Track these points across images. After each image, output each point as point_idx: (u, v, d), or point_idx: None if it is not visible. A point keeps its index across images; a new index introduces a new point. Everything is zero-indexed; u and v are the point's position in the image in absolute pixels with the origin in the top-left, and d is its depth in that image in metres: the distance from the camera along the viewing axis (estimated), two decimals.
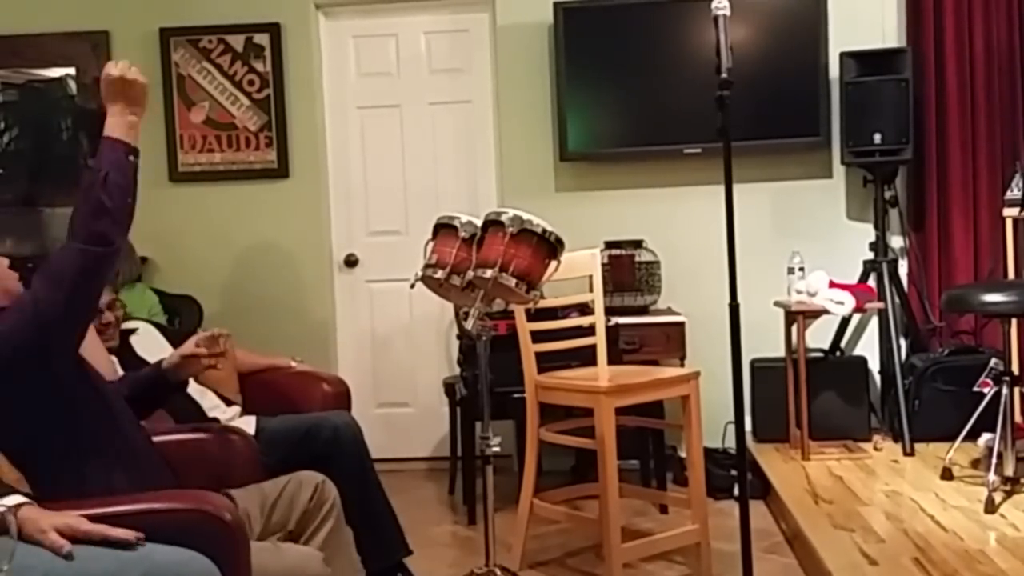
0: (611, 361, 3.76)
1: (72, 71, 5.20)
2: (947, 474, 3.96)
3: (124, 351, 3.25)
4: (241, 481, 2.60)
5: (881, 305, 4.60)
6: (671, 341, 4.56)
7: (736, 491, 3.92)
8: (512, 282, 2.82)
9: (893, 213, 4.88)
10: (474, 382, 4.04)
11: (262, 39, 5.14)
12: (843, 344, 4.91)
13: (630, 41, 4.90)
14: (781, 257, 4.63)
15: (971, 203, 4.84)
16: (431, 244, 3.04)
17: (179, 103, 5.16)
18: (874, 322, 4.94)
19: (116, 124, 2.22)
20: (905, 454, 4.40)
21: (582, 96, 4.95)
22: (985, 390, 4.01)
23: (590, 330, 3.71)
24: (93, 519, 1.94)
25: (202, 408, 3.24)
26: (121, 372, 3.13)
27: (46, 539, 1.88)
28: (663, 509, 4.24)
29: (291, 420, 3.32)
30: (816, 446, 4.47)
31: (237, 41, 5.15)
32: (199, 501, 2.08)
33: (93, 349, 2.98)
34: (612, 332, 4.03)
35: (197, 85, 5.17)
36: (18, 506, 1.91)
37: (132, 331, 3.37)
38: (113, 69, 2.24)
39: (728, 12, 2.69)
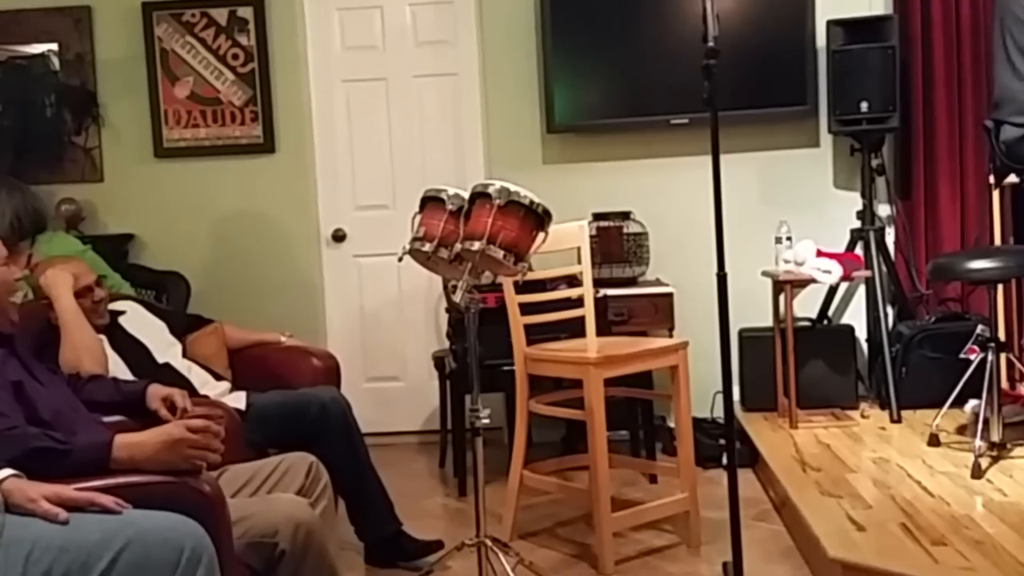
0: (600, 332, 3.76)
1: (55, 47, 5.15)
2: (934, 440, 3.99)
3: (115, 332, 3.25)
4: (227, 457, 2.60)
5: (868, 273, 4.62)
6: (659, 312, 4.57)
7: (724, 460, 3.94)
8: (500, 254, 2.82)
9: (880, 181, 4.89)
10: (463, 355, 4.05)
11: (246, 12, 5.09)
12: (830, 313, 4.93)
13: (616, 12, 4.87)
14: (768, 227, 4.63)
15: (958, 171, 4.85)
16: (418, 217, 3.03)
17: (163, 78, 5.12)
18: (861, 291, 4.96)
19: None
20: (892, 421, 4.43)
21: (569, 68, 4.92)
22: (972, 357, 4.02)
23: (578, 302, 3.72)
24: None
25: (192, 384, 3.24)
26: (111, 352, 3.12)
27: (38, 508, 1.87)
28: (652, 479, 4.26)
29: (279, 397, 3.32)
30: (804, 414, 4.49)
31: (220, 15, 5.10)
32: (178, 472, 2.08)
33: (80, 335, 2.98)
34: (600, 304, 4.03)
35: (181, 60, 5.12)
36: (2, 480, 1.91)
37: (121, 312, 3.36)
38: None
39: None
